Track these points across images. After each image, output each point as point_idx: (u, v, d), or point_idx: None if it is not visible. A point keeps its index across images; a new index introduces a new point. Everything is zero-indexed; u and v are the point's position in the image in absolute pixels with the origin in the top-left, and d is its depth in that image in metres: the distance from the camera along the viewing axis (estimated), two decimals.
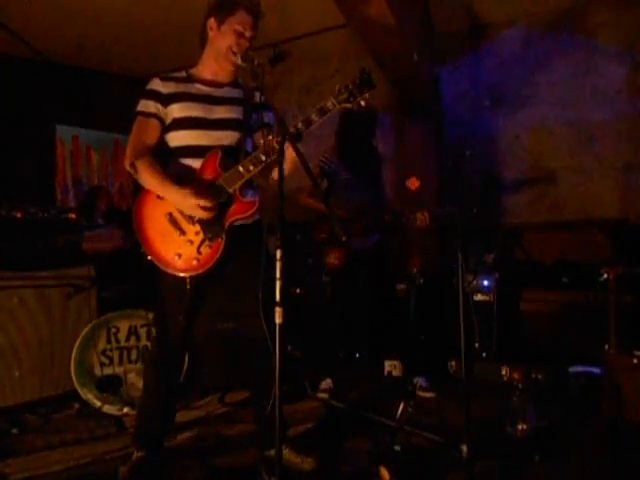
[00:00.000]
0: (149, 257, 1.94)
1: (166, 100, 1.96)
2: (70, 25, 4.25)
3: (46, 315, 2.77)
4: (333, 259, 3.09)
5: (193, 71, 2.07)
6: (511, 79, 4.38)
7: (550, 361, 3.05)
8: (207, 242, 1.92)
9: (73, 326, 2.85)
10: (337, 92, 1.90)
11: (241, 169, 1.92)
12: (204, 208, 1.86)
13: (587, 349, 2.95)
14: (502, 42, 4.42)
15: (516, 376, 2.46)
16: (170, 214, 1.94)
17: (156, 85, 1.98)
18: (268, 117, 2.12)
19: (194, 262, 1.91)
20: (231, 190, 1.94)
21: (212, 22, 2.00)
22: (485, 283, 3.48)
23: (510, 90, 4.38)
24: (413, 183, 2.91)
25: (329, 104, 1.90)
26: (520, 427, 2.23)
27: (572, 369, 2.90)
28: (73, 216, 3.00)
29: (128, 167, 1.96)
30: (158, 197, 1.95)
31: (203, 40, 2.05)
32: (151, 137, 1.99)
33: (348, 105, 1.91)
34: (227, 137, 2.00)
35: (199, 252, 1.92)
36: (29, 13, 4.04)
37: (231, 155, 1.97)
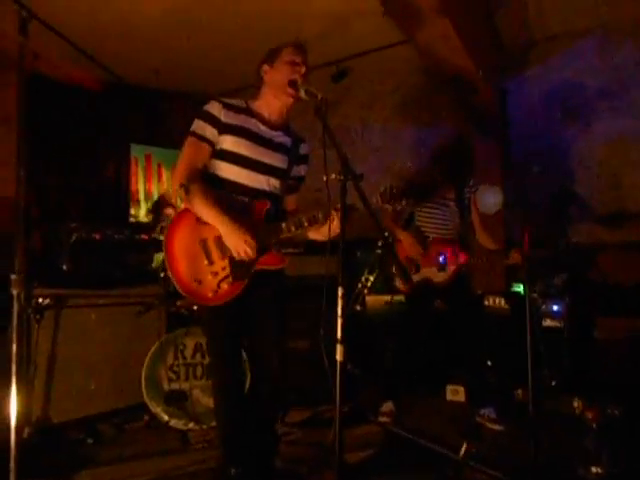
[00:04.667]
0: (167, 273, 1.96)
1: (222, 128, 1.98)
2: (147, 53, 4.50)
3: (119, 331, 2.94)
4: (399, 284, 3.08)
5: (252, 105, 2.11)
6: (585, 91, 4.16)
7: (627, 396, 2.85)
8: (229, 279, 1.95)
9: (143, 341, 2.99)
10: (382, 192, 1.92)
11: (284, 226, 1.98)
12: (249, 248, 1.90)
13: None
14: (575, 53, 4.21)
15: (590, 415, 2.31)
16: (205, 240, 1.96)
17: (216, 111, 1.99)
18: (304, 170, 2.21)
19: (210, 294, 1.94)
20: (272, 243, 2.00)
21: (265, 67, 2.08)
22: (555, 308, 3.33)
23: (584, 102, 4.16)
24: (514, 257, 2.85)
25: (374, 200, 1.91)
26: (594, 470, 2.10)
27: None
28: (145, 237, 3.16)
29: (178, 187, 1.94)
30: (198, 221, 1.96)
31: (259, 86, 2.12)
32: (202, 161, 2.01)
33: (387, 206, 1.94)
34: (269, 183, 2.07)
35: (218, 286, 1.94)
36: (110, 43, 4.33)
37: (270, 200, 2.04)
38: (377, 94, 5.31)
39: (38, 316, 2.50)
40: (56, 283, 2.68)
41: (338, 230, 1.68)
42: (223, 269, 1.95)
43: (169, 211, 3.94)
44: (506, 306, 3.47)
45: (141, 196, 5.11)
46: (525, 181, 4.26)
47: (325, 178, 1.82)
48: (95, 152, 5.02)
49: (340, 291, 1.56)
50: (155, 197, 5.14)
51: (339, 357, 1.56)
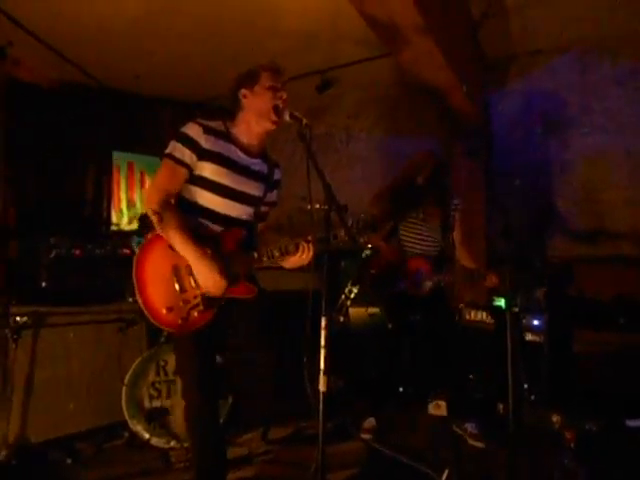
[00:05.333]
0: (135, 299, 1.90)
1: (202, 154, 1.95)
2: (128, 58, 4.45)
3: (99, 348, 2.90)
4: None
5: (232, 129, 2.07)
6: (565, 106, 4.23)
7: (605, 410, 2.91)
8: (200, 307, 1.93)
9: (125, 358, 2.94)
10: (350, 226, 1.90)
11: (255, 256, 1.98)
12: (220, 287, 1.90)
13: None
14: (556, 68, 4.29)
15: (569, 436, 2.35)
16: (177, 266, 1.92)
17: (196, 135, 1.95)
18: (276, 196, 2.25)
19: (179, 321, 1.90)
20: (241, 274, 1.99)
21: (244, 91, 2.05)
22: (535, 323, 3.37)
23: (564, 117, 4.23)
24: (491, 280, 2.88)
25: (342, 233, 1.89)
26: None
27: (631, 422, 2.74)
28: (127, 251, 3.13)
29: (150, 211, 1.91)
30: (171, 247, 1.91)
31: (236, 109, 2.08)
32: (178, 185, 1.97)
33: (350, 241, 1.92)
34: (246, 212, 2.09)
35: (188, 314, 1.91)
36: (91, 48, 4.27)
37: (244, 228, 2.07)
38: (362, 103, 5.34)
39: (15, 336, 2.45)
40: (34, 300, 2.64)
41: (307, 262, 1.78)
42: (195, 297, 1.93)
43: None
44: (489, 320, 3.51)
45: (123, 204, 5.05)
46: (506, 195, 4.33)
47: (309, 207, 1.83)
48: (76, 159, 4.94)
49: (324, 321, 1.56)
50: (138, 205, 5.10)
51: (322, 387, 1.56)
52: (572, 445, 2.33)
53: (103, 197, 5.03)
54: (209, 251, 1.90)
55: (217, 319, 1.98)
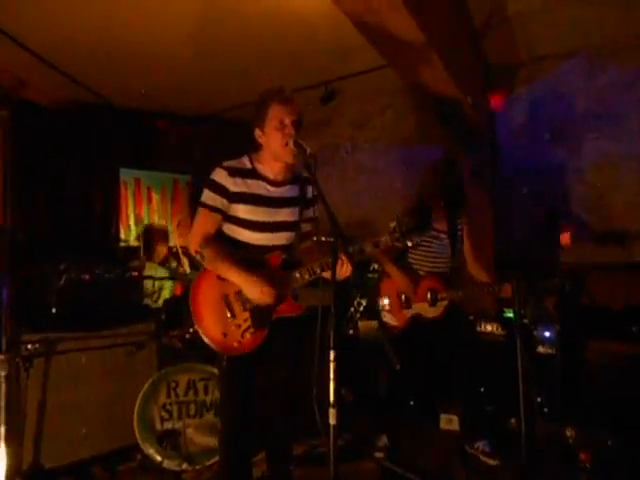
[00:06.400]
0: (195, 328, 2.07)
1: (232, 197, 2.06)
2: (133, 75, 4.48)
3: (110, 372, 2.91)
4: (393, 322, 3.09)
5: (257, 165, 2.12)
6: (572, 112, 4.19)
7: (622, 424, 2.87)
8: (252, 330, 2.06)
9: (135, 380, 2.95)
10: (392, 230, 1.96)
11: (297, 275, 2.05)
12: (269, 293, 1.99)
13: None
14: (563, 74, 4.24)
15: (584, 456, 2.32)
16: (227, 296, 2.07)
17: (224, 180, 2.05)
18: (315, 211, 2.23)
19: (235, 344, 2.05)
20: (286, 292, 2.07)
21: (257, 132, 2.09)
22: (547, 334, 3.33)
23: (571, 123, 4.19)
24: (507, 291, 2.85)
25: (383, 240, 1.98)
26: None
27: None
28: (136, 274, 3.14)
29: (194, 253, 2.11)
30: (219, 278, 2.07)
31: (257, 147, 2.14)
32: (214, 228, 2.11)
33: (398, 244, 2.00)
34: (284, 237, 2.15)
35: (242, 336, 2.06)
36: (96, 66, 4.30)
37: (285, 252, 2.13)
38: (367, 113, 5.33)
39: (27, 364, 2.47)
40: (45, 326, 2.66)
41: (347, 274, 1.87)
42: (245, 320, 2.07)
43: (163, 250, 3.94)
44: (499, 332, 3.48)
45: (131, 221, 5.08)
46: (513, 202, 4.31)
47: (315, 239, 1.84)
48: (84, 177, 4.98)
49: (332, 354, 1.55)
50: (145, 221, 5.13)
51: (332, 421, 1.55)
52: (588, 465, 2.30)
53: (111, 213, 5.07)
54: (253, 269, 2.02)
55: (266, 346, 2.09)
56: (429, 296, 3.03)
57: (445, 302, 3.00)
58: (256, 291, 2.00)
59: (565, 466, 2.55)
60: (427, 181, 3.28)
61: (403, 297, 3.08)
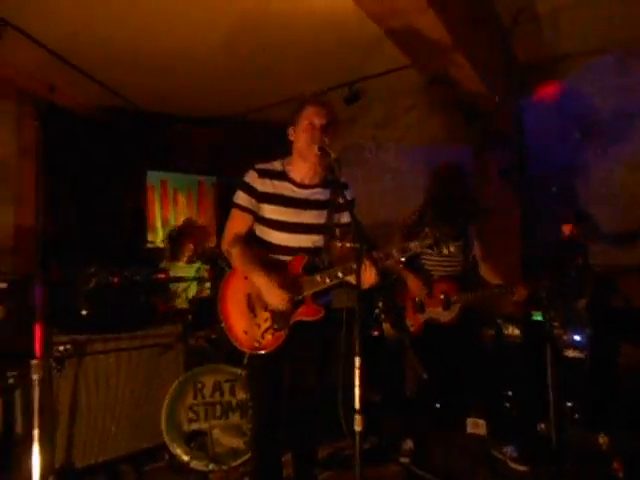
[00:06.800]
0: (222, 325, 2.18)
1: (260, 197, 2.12)
2: (160, 79, 4.54)
3: (138, 373, 2.95)
4: (411, 323, 3.06)
5: (287, 167, 2.16)
6: (604, 110, 4.09)
7: None
8: (272, 330, 2.10)
9: (163, 381, 3.00)
10: (423, 236, 1.91)
11: (318, 279, 2.05)
12: (282, 299, 2.01)
13: None
14: (593, 71, 4.14)
15: (616, 466, 2.25)
16: (250, 295, 2.14)
17: (253, 181, 2.13)
18: (348, 217, 2.15)
19: (255, 343, 2.11)
20: (305, 294, 2.08)
21: (290, 129, 2.14)
22: (577, 338, 3.25)
23: (603, 122, 4.09)
24: (520, 293, 2.80)
25: (412, 245, 1.93)
26: None
27: None
28: (163, 276, 3.19)
29: (224, 251, 2.20)
30: (245, 277, 2.13)
31: (290, 147, 2.17)
32: (244, 228, 2.19)
33: (429, 250, 1.99)
34: (310, 240, 2.15)
35: (262, 337, 2.10)
36: (123, 70, 4.37)
37: (312, 254, 2.13)
38: (391, 113, 5.30)
39: (59, 366, 2.53)
40: (75, 329, 2.72)
41: (372, 280, 1.82)
42: (265, 321, 2.11)
43: (190, 246, 3.98)
44: (526, 335, 3.42)
45: (158, 223, 5.16)
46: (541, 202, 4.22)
47: (340, 245, 1.83)
48: (111, 180, 5.08)
49: (357, 361, 1.55)
50: (172, 222, 5.19)
51: (358, 427, 1.55)
52: (621, 475, 2.24)
53: (139, 216, 5.16)
54: (272, 272, 2.05)
55: (287, 347, 2.11)
56: (442, 298, 2.99)
57: (458, 305, 2.96)
58: (271, 295, 2.03)
59: (597, 475, 2.48)
60: (431, 186, 3.25)
61: (417, 301, 3.06)
